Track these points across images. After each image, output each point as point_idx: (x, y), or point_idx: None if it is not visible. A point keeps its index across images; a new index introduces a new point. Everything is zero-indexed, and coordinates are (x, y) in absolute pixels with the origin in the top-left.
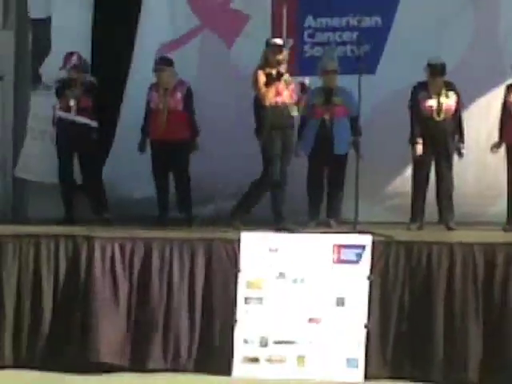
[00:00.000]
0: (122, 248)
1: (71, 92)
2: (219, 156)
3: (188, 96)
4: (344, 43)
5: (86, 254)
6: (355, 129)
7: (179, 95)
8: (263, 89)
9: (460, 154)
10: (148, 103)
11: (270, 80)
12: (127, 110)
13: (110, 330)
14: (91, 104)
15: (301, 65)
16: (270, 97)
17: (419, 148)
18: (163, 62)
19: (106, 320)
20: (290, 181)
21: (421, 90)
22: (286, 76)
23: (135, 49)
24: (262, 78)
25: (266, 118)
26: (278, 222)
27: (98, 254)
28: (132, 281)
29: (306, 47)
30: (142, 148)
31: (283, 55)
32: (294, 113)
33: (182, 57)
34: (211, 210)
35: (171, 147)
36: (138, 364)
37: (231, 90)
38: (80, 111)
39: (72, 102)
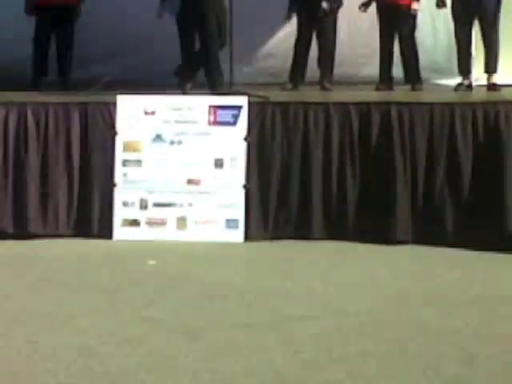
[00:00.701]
0: None
1: None
2: (98, 20)
3: None
4: None
5: None
6: None
7: None
8: None
9: (323, 10)
10: None
11: None
12: None
13: None
14: None
15: None
16: None
17: (286, 18)
18: None
19: None
20: (163, 43)
21: None
22: None
23: None
24: None
25: None
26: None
27: None
28: (7, 146)
29: None
30: (28, 11)
31: None
32: None
33: None
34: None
35: (58, 11)
36: (19, 229)
37: None
38: None
39: None
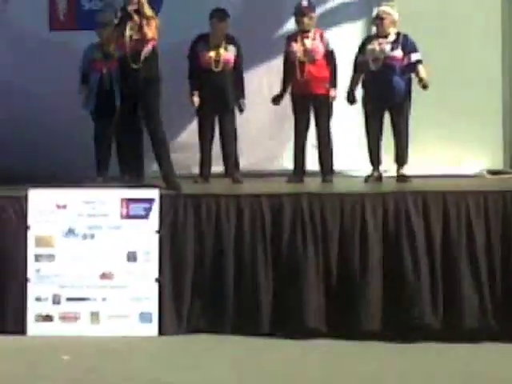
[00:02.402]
0: None
1: None
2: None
3: None
4: None
5: None
6: None
7: None
8: None
9: (241, 110)
10: None
11: None
12: None
13: None
14: None
15: (79, 18)
16: None
17: (195, 100)
18: None
19: None
20: (77, 135)
21: (200, 42)
22: None
23: None
24: None
25: None
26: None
27: None
28: None
29: (84, 1)
30: None
31: None
32: None
33: None
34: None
35: None
36: None
37: (9, 43)
38: None
39: None
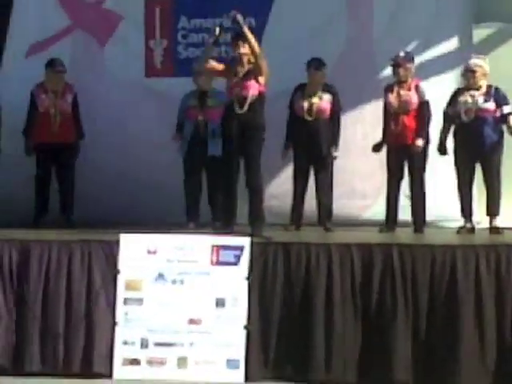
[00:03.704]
0: None
1: None
2: (96, 159)
3: (76, 99)
4: (218, 44)
5: None
6: None
7: (70, 98)
8: None
9: (333, 158)
10: (34, 105)
11: None
12: None
13: None
14: None
15: (175, 66)
16: None
17: (283, 155)
18: (60, 64)
19: None
20: (169, 181)
21: (298, 91)
22: None
23: (5, 51)
24: None
25: None
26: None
27: None
28: (10, 283)
29: (180, 48)
30: (28, 152)
31: None
32: None
33: (52, 57)
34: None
35: (58, 150)
36: (17, 367)
37: (105, 90)
38: None
39: None
